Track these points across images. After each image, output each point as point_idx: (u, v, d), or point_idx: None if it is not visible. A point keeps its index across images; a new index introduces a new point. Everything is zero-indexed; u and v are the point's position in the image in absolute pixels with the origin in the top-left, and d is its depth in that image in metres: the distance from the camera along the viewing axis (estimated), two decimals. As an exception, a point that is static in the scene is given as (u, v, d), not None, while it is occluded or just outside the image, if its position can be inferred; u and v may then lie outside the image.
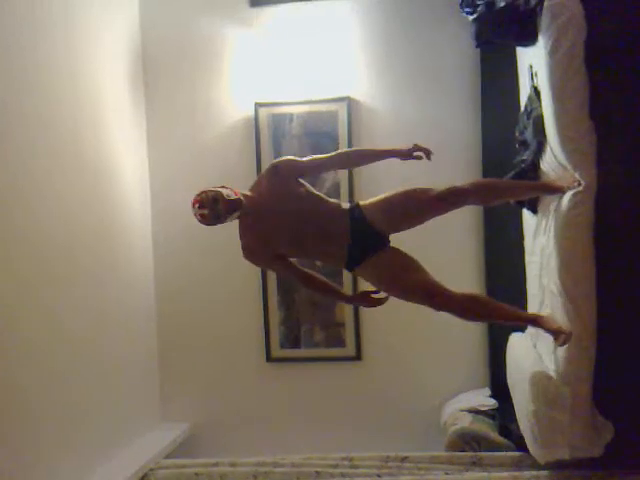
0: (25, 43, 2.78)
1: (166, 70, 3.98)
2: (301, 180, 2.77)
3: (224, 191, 2.60)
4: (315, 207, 2.73)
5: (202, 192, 2.60)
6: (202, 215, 2.58)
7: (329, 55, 3.82)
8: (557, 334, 2.52)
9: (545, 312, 2.78)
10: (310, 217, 2.70)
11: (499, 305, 2.67)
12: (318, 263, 3.51)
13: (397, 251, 2.72)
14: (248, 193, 2.72)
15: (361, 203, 2.75)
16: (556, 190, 2.74)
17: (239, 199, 2.63)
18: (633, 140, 2.61)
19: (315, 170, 2.89)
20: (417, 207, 2.68)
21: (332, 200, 2.81)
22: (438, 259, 3.35)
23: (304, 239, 2.71)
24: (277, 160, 2.82)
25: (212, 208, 2.57)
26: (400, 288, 2.67)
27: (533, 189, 2.95)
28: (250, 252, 2.75)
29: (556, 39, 2.63)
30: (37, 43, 2.88)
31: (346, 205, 2.78)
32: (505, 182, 2.97)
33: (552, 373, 2.66)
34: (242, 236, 2.74)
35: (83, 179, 3.20)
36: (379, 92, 3.83)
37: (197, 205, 2.58)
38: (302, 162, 2.78)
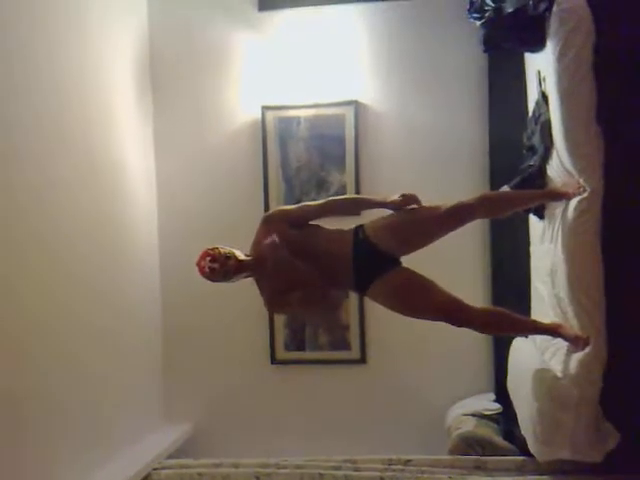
0: (38, 46, 2.81)
1: (174, 73, 4.01)
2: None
3: (237, 251, 2.63)
4: (316, 240, 2.72)
5: (215, 247, 2.61)
6: (211, 269, 2.58)
7: (337, 59, 3.84)
8: (576, 341, 2.56)
9: (558, 320, 2.78)
10: (314, 252, 2.68)
11: (518, 318, 2.70)
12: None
13: (409, 271, 2.67)
14: (248, 254, 2.72)
15: (365, 224, 2.73)
16: (562, 197, 2.75)
17: (250, 261, 2.65)
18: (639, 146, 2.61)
19: (306, 218, 2.79)
20: (425, 227, 2.67)
21: (334, 229, 2.78)
22: (444, 264, 3.40)
23: (315, 275, 2.66)
24: (268, 213, 2.87)
25: (223, 264, 2.58)
26: (416, 308, 2.65)
27: (539, 197, 2.95)
28: (276, 305, 2.74)
29: (564, 44, 2.64)
30: (50, 45, 2.91)
31: (350, 228, 2.76)
32: (510, 194, 2.96)
33: (560, 374, 2.66)
34: (262, 293, 2.74)
35: (92, 177, 3.22)
36: (386, 96, 3.85)
37: (208, 258, 2.58)
38: (293, 211, 2.80)
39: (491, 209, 2.80)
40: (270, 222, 2.74)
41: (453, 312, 2.59)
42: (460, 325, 2.61)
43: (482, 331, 2.75)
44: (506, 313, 2.68)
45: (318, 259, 2.66)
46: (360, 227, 2.72)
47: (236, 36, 3.93)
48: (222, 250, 2.60)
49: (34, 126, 2.76)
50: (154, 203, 3.99)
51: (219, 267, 2.58)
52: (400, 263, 2.71)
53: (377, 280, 2.64)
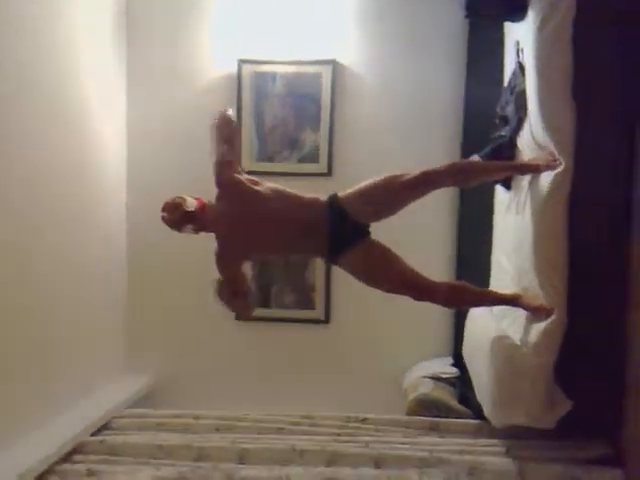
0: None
1: (149, 23, 3.91)
2: (257, 180, 2.73)
3: (189, 201, 2.63)
4: (289, 204, 2.68)
5: (178, 197, 2.64)
6: (162, 217, 2.64)
7: (317, 16, 3.79)
8: (539, 311, 2.62)
9: (519, 290, 2.83)
10: (287, 215, 2.65)
11: (479, 291, 2.77)
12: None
13: (378, 244, 2.69)
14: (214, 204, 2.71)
15: (340, 195, 2.70)
16: (532, 170, 2.76)
17: (194, 212, 2.64)
18: (611, 121, 2.63)
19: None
20: (394, 195, 2.66)
21: (308, 195, 2.74)
22: (409, 233, 3.43)
23: (283, 238, 2.69)
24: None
25: (170, 213, 2.62)
26: (382, 281, 2.68)
27: (509, 169, 2.97)
28: (225, 260, 2.70)
29: (545, 16, 2.63)
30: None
31: (324, 198, 2.72)
32: (480, 164, 2.95)
33: (518, 342, 2.72)
34: (219, 245, 2.70)
35: (61, 127, 3.16)
36: (365, 58, 3.82)
37: (162, 207, 2.64)
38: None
39: (460, 178, 2.80)
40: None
41: (416, 288, 2.64)
42: (422, 300, 2.67)
43: (445, 305, 2.83)
44: (468, 287, 2.72)
45: (285, 224, 2.65)
46: (334, 197, 2.69)
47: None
48: (176, 200, 2.63)
49: (3, 89, 2.68)
50: (124, 154, 3.93)
51: (168, 217, 2.63)
52: (369, 233, 2.72)
53: (347, 250, 2.65)
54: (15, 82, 2.80)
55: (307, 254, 2.86)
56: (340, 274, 3.69)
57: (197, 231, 2.71)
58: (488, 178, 2.97)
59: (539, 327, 2.62)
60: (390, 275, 2.65)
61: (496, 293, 2.88)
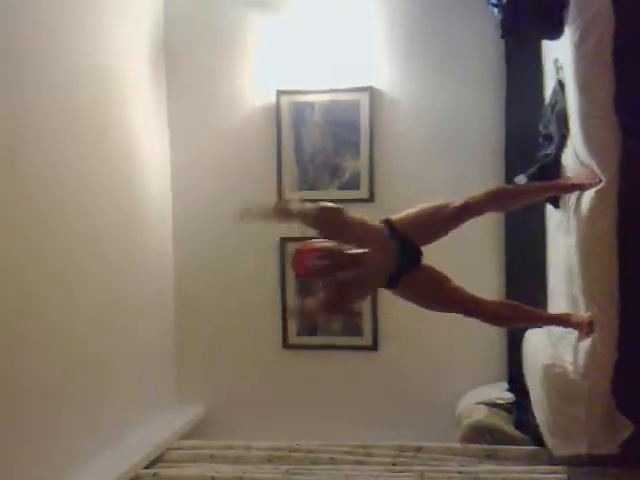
0: (50, 30, 2.80)
1: (188, 54, 3.99)
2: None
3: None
4: (366, 235, 2.63)
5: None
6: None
7: (352, 44, 3.81)
8: (581, 326, 2.58)
9: (573, 310, 2.77)
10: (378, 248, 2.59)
11: (530, 310, 2.74)
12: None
13: (430, 267, 2.68)
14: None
15: (393, 220, 2.67)
16: (575, 188, 2.71)
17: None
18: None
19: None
20: (442, 221, 2.67)
21: (360, 219, 2.67)
22: (458, 256, 3.40)
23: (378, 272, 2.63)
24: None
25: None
26: (439, 304, 2.69)
27: (550, 189, 2.91)
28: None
29: (583, 32, 2.59)
30: (62, 30, 2.89)
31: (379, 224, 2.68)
32: (521, 188, 2.91)
33: (570, 366, 2.65)
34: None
35: (104, 162, 3.22)
36: (402, 82, 3.82)
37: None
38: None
39: (502, 204, 2.81)
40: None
41: (469, 308, 2.64)
42: (473, 317, 2.66)
43: (495, 324, 2.82)
44: (519, 306, 2.71)
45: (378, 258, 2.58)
46: (389, 223, 2.66)
47: (252, 18, 3.90)
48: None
49: (43, 114, 2.74)
50: (168, 189, 3.99)
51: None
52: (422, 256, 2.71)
53: (406, 275, 2.63)
54: (66, 126, 2.90)
55: (373, 284, 2.80)
56: (386, 300, 3.70)
57: None
58: (530, 201, 2.93)
59: (586, 349, 2.56)
60: (445, 297, 2.66)
61: (546, 313, 2.85)
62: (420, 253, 2.68)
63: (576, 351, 2.64)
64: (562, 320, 2.72)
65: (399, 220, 2.67)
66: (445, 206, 2.65)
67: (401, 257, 2.61)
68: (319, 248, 2.49)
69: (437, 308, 2.71)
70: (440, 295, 2.67)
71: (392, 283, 2.66)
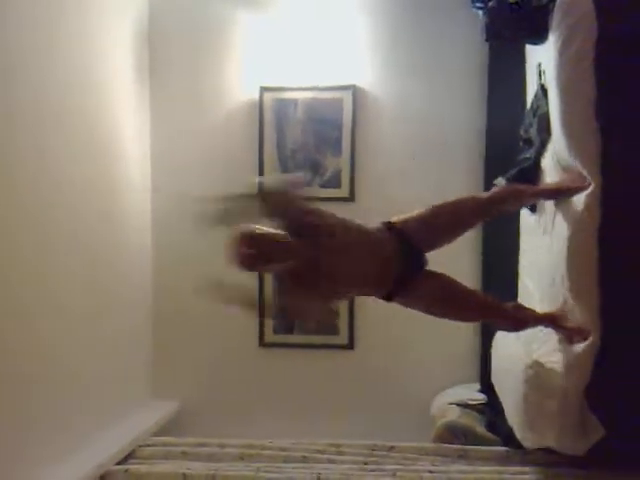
0: (37, 28, 2.78)
1: (172, 49, 3.95)
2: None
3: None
4: (360, 237, 2.48)
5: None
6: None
7: (336, 42, 3.81)
8: (576, 333, 2.55)
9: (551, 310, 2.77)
10: (358, 249, 2.44)
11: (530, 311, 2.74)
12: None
13: (435, 272, 2.57)
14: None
15: (396, 222, 2.56)
16: (572, 191, 2.65)
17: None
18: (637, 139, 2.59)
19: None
20: (465, 218, 2.63)
21: (370, 225, 2.54)
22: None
23: (354, 274, 2.44)
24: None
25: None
26: (456, 309, 2.59)
27: (549, 192, 2.85)
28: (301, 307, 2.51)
29: (566, 38, 2.61)
30: (48, 27, 2.87)
31: (379, 226, 2.55)
32: (520, 188, 2.88)
33: (551, 364, 2.64)
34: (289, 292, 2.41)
35: (83, 156, 3.18)
36: (385, 81, 3.82)
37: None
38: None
39: (500, 205, 2.76)
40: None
41: (487, 314, 2.67)
42: (491, 321, 2.74)
43: (514, 329, 2.77)
44: (522, 306, 2.72)
45: (359, 260, 2.41)
46: (392, 226, 2.54)
47: (236, 15, 3.87)
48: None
49: (32, 110, 2.73)
50: (148, 182, 3.96)
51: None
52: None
53: (412, 281, 2.50)
54: (54, 121, 2.90)
55: (367, 291, 2.64)
56: (362, 299, 3.70)
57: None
58: (527, 203, 2.95)
59: (571, 349, 2.56)
60: (463, 301, 2.59)
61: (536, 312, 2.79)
62: (423, 256, 2.57)
63: (558, 351, 2.64)
64: (550, 321, 2.68)
65: (401, 222, 2.57)
66: (464, 201, 2.61)
67: (404, 261, 2.49)
68: (251, 235, 2.23)
69: (452, 316, 2.63)
70: (455, 302, 2.57)
71: (397, 289, 2.51)
